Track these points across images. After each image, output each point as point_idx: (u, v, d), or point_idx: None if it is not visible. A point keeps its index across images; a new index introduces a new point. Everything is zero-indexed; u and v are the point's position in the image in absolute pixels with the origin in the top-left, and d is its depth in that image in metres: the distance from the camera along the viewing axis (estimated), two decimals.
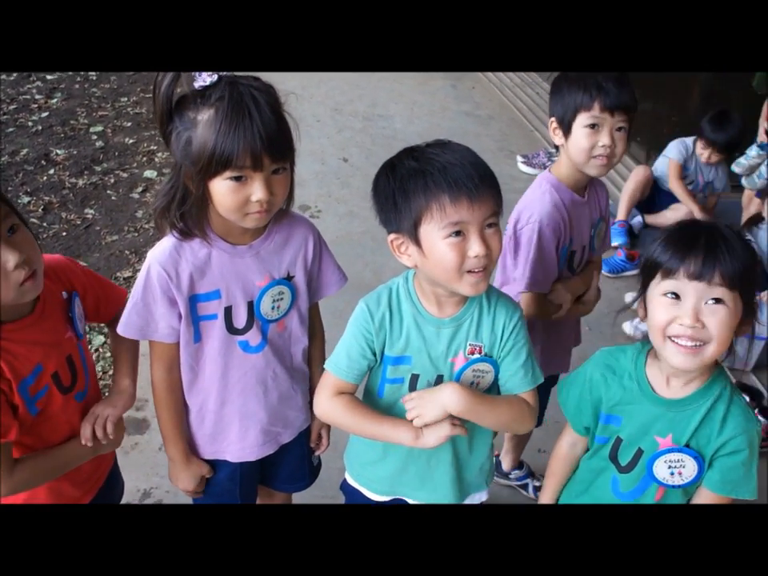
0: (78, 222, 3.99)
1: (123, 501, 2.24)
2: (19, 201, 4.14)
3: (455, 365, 1.51)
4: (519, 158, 4.95)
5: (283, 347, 1.66)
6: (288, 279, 1.59)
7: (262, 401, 1.66)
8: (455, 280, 1.38)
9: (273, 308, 1.59)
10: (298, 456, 1.84)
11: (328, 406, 1.55)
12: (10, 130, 4.92)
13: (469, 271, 1.36)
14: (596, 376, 1.57)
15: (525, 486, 2.60)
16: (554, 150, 5.05)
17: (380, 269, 3.66)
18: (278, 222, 1.57)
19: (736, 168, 4.05)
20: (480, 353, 1.51)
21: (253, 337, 1.59)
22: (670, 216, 4.10)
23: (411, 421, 1.45)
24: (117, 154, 4.76)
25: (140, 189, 4.37)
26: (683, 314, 1.35)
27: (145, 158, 4.72)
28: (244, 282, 1.54)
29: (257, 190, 1.37)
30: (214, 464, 1.72)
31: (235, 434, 1.68)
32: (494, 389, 1.57)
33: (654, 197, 4.32)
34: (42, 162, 4.58)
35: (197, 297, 1.51)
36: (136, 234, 3.95)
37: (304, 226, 1.64)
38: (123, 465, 1.88)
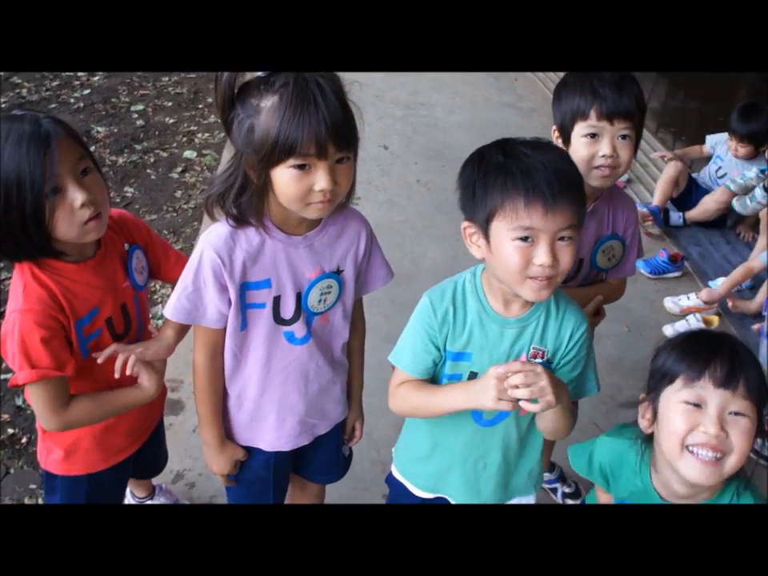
0: (118, 200, 3.99)
1: (156, 480, 2.26)
2: None
3: None
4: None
5: (325, 340, 1.64)
6: (337, 273, 1.57)
7: (302, 392, 1.65)
8: (517, 283, 1.35)
9: (320, 301, 1.56)
10: (332, 448, 1.83)
11: (394, 398, 1.56)
12: (53, 106, 4.94)
13: (532, 277, 1.33)
14: (604, 466, 1.56)
15: (554, 491, 2.56)
16: None
17: (419, 258, 3.61)
18: (334, 215, 1.53)
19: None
20: (542, 357, 1.48)
21: (298, 328, 1.57)
22: (711, 207, 4.06)
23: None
24: (157, 133, 4.76)
25: (179, 169, 4.37)
26: (707, 422, 1.29)
27: (185, 138, 4.71)
28: (295, 272, 1.51)
29: (320, 179, 1.33)
30: (248, 450, 1.71)
31: (272, 423, 1.66)
32: None
33: (690, 192, 4.24)
34: (84, 138, 4.58)
35: (247, 284, 1.49)
36: (174, 214, 3.95)
37: (358, 221, 1.61)
38: None
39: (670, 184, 4.18)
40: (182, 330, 1.67)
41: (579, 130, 1.76)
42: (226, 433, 1.68)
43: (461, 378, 1.51)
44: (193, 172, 4.36)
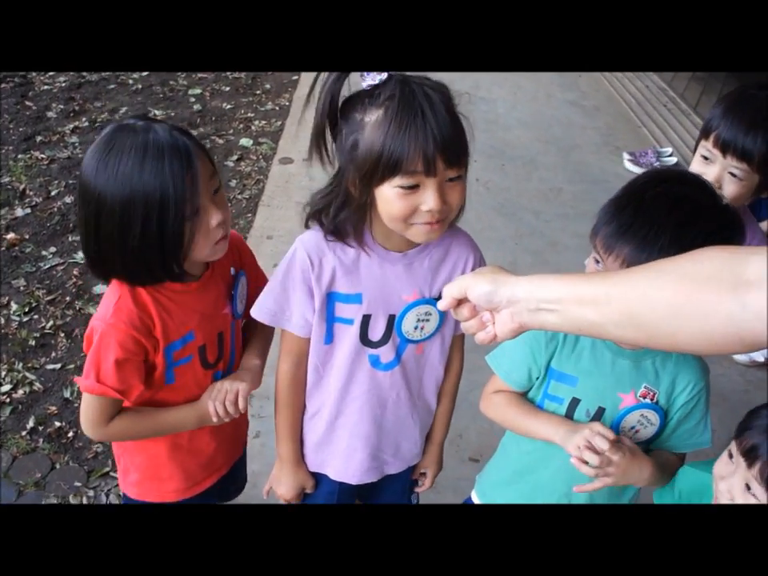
0: None
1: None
2: None
3: (622, 402, 1.39)
4: (626, 156, 4.69)
5: (416, 372, 1.52)
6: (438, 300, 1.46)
7: (376, 423, 1.54)
8: None
9: (416, 327, 1.45)
10: (399, 491, 1.72)
11: (488, 403, 1.53)
12: (111, 86, 4.91)
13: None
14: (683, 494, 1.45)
15: None
16: (664, 150, 4.80)
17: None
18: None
19: None
20: (653, 399, 1.38)
21: (386, 353, 1.46)
22: None
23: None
24: (213, 118, 4.70)
25: (235, 157, 4.30)
26: None
27: (241, 125, 4.64)
28: (389, 292, 1.40)
29: (428, 199, 1.22)
30: (315, 477, 1.63)
31: (342, 450, 1.57)
32: (650, 440, 1.45)
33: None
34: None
35: (336, 295, 1.40)
36: (229, 205, 3.87)
37: (466, 245, 1.48)
38: None
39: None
40: (266, 353, 1.61)
41: (699, 147, 1.69)
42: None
43: (562, 402, 1.43)
44: (248, 161, 4.28)
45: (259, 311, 1.43)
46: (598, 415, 1.41)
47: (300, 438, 1.59)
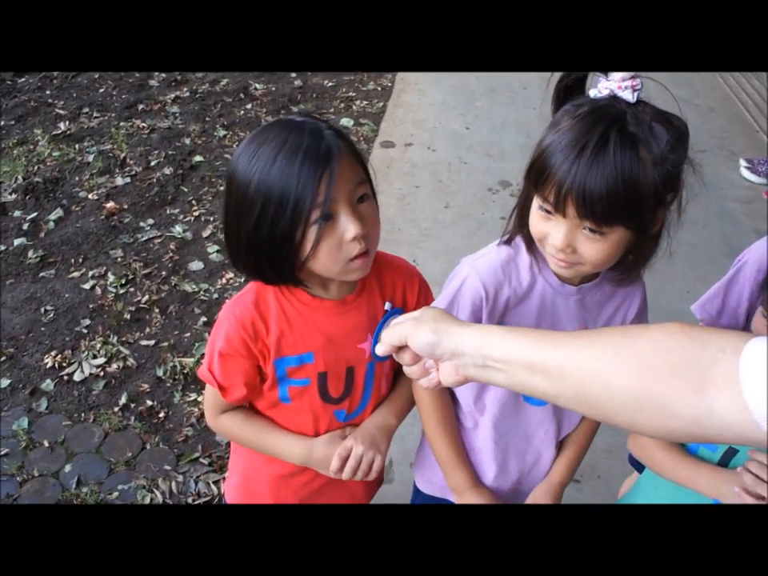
0: None
1: None
2: (215, 134, 4.07)
3: None
4: (743, 162, 4.41)
5: (567, 411, 1.40)
6: None
7: (520, 459, 1.43)
8: None
9: None
10: None
11: (635, 440, 1.45)
12: None
13: None
14: None
15: None
16: None
17: None
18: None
19: None
20: None
21: None
22: None
23: None
24: (314, 95, 4.60)
25: None
26: None
27: (342, 104, 4.53)
28: (555, 326, 1.29)
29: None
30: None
31: (490, 481, 1.45)
32: None
33: None
34: (241, 95, 4.50)
35: (504, 324, 1.28)
36: None
37: (637, 282, 1.35)
38: None
39: None
40: (405, 412, 1.45)
41: None
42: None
43: (716, 450, 1.32)
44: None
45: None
46: None
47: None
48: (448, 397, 1.40)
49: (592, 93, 1.12)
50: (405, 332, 0.98)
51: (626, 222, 1.08)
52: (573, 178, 1.04)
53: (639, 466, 1.71)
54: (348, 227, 1.13)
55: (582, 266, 1.15)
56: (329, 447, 1.33)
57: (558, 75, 1.18)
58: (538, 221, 1.15)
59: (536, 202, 1.14)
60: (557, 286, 1.27)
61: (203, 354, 2.22)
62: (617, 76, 1.08)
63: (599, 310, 1.31)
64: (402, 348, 1.01)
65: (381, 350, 1.02)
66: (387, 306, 1.28)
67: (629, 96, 1.08)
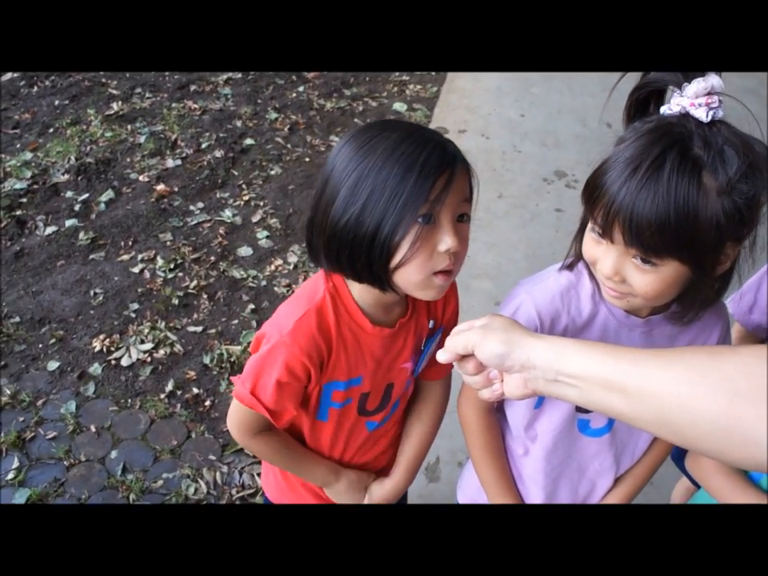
0: (322, 149, 3.81)
1: None
2: (267, 116, 4.03)
3: None
4: None
5: (628, 439, 1.32)
6: None
7: (572, 491, 1.36)
8: None
9: None
10: None
11: (694, 460, 1.37)
12: None
13: None
14: None
15: None
16: None
17: None
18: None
19: None
20: None
21: (597, 418, 1.26)
22: None
23: None
24: (368, 79, 4.53)
25: None
26: None
27: (395, 89, 4.45)
28: None
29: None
30: None
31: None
32: None
33: None
34: (293, 77, 4.44)
35: None
36: None
37: (716, 312, 1.24)
38: None
39: None
40: (428, 446, 1.46)
41: None
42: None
43: None
44: None
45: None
46: None
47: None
48: (495, 419, 1.33)
49: (663, 109, 1.01)
50: (472, 340, 0.93)
51: (680, 255, 0.97)
52: (621, 200, 0.95)
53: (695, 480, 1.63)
54: (445, 238, 1.06)
55: (633, 297, 1.05)
56: (347, 494, 1.41)
57: (623, 79, 1.07)
58: (590, 244, 1.06)
59: (590, 224, 1.05)
60: (621, 317, 1.17)
61: (250, 342, 2.18)
62: (690, 91, 0.97)
63: (670, 343, 1.20)
64: (465, 356, 0.95)
65: (444, 357, 0.97)
66: (431, 324, 1.26)
67: (702, 114, 0.95)
